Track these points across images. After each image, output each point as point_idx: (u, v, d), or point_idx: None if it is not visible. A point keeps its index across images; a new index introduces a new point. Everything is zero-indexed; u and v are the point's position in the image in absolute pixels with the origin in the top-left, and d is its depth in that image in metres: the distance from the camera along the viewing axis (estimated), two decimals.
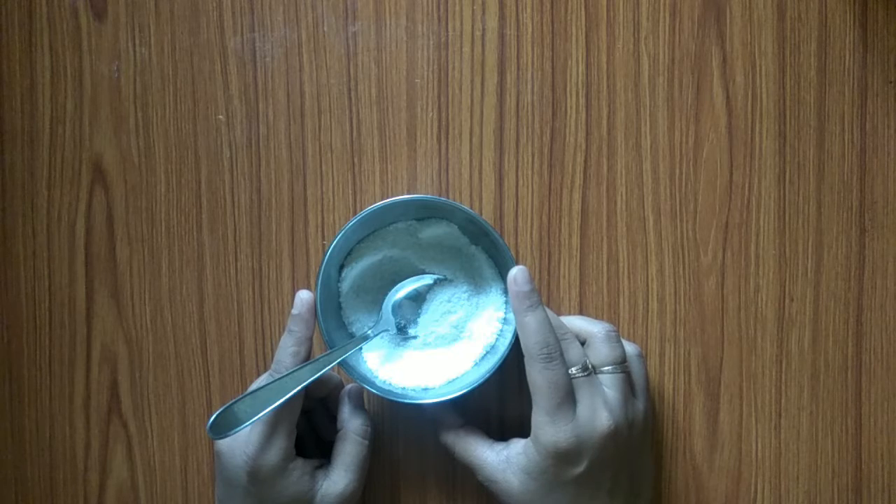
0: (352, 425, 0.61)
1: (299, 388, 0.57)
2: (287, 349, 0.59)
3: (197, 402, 0.67)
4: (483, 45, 0.65)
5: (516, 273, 0.58)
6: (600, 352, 0.59)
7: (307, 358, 0.59)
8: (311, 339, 0.59)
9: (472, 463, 0.60)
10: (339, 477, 0.60)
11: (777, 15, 0.64)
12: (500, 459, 0.59)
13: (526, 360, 0.57)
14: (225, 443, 0.59)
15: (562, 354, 0.57)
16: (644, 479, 0.61)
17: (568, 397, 0.57)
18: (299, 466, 0.59)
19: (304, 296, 0.59)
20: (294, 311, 0.59)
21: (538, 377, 0.57)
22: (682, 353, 0.65)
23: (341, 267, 0.62)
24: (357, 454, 0.61)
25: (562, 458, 0.56)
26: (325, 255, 0.60)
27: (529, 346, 0.57)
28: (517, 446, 0.59)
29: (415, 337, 0.63)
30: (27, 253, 0.67)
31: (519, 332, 0.58)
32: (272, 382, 0.57)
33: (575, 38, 0.65)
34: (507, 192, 0.65)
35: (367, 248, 0.62)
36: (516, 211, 0.65)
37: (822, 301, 0.65)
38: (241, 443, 0.58)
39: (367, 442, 0.61)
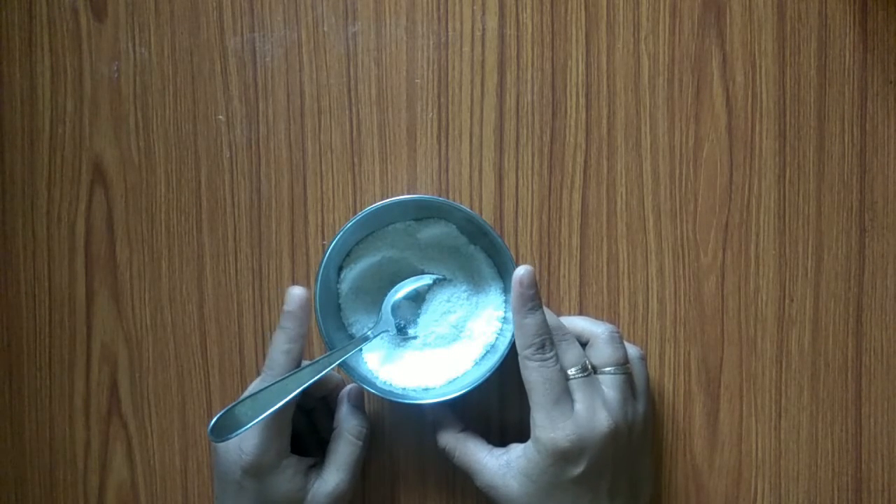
0: (347, 425, 0.61)
1: (299, 389, 0.57)
2: (279, 346, 0.59)
3: (197, 402, 0.67)
4: (483, 45, 0.65)
5: (522, 274, 0.58)
6: (603, 352, 0.59)
7: (300, 356, 0.59)
8: (303, 336, 0.59)
9: (471, 468, 0.60)
10: (330, 476, 0.60)
11: (777, 15, 0.64)
12: (500, 464, 0.59)
13: (520, 359, 0.57)
14: None
15: (556, 353, 0.57)
16: (643, 482, 0.61)
17: (564, 394, 0.57)
18: (293, 464, 0.59)
19: (295, 291, 0.59)
20: (286, 308, 0.59)
21: (533, 374, 0.57)
22: (682, 353, 0.65)
23: (340, 268, 0.62)
24: (350, 454, 0.61)
25: (562, 456, 0.56)
26: (323, 257, 0.60)
27: (525, 345, 0.57)
28: (517, 450, 0.59)
29: (415, 337, 0.63)
30: (27, 253, 0.67)
31: (516, 332, 0.58)
32: (273, 384, 0.57)
33: (575, 38, 0.65)
34: (507, 192, 0.65)
35: (365, 249, 0.62)
36: (516, 211, 0.65)
37: (822, 301, 0.65)
38: (237, 439, 0.58)
39: (360, 442, 0.61)
